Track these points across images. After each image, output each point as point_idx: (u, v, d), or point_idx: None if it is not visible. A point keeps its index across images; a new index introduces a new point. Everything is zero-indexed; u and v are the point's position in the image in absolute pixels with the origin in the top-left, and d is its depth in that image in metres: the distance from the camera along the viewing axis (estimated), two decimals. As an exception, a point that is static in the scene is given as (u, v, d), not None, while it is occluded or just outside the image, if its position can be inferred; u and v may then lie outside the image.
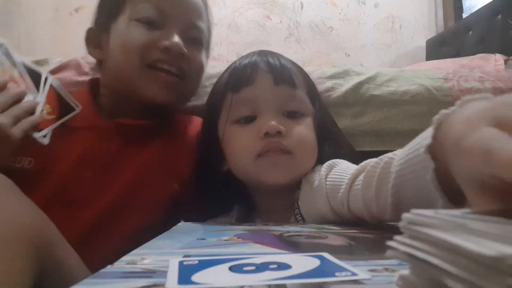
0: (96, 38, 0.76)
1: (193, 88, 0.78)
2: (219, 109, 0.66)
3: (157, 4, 0.70)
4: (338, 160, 0.60)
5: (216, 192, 0.69)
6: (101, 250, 0.59)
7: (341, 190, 0.52)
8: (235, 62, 0.71)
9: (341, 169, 0.56)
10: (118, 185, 0.68)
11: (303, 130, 0.63)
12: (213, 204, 0.70)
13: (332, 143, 0.69)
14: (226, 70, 0.72)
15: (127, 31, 0.70)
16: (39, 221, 0.49)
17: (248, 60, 0.68)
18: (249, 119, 0.63)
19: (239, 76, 0.65)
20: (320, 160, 0.64)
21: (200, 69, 0.76)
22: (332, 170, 0.58)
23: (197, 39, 0.75)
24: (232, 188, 0.69)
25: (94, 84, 0.79)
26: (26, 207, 0.49)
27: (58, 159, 0.68)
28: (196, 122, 0.79)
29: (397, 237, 0.21)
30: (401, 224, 0.21)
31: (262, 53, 0.69)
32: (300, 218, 0.60)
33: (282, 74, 0.65)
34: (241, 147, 0.63)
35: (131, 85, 0.70)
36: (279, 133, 0.60)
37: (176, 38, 0.69)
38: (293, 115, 0.64)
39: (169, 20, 0.70)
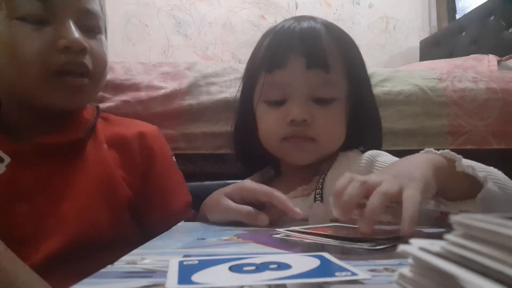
0: None
1: (100, 85, 0.68)
2: (254, 84, 0.69)
3: None
4: (379, 151, 0.63)
5: (252, 152, 0.74)
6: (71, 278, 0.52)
7: None
8: (276, 26, 0.70)
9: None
10: (67, 212, 0.59)
11: (330, 118, 0.64)
12: (250, 160, 0.77)
13: (365, 124, 0.70)
14: (267, 35, 0.70)
15: (11, 35, 0.58)
16: None
17: (287, 31, 0.66)
18: (279, 102, 0.65)
19: (274, 55, 0.65)
20: (350, 140, 0.67)
21: (104, 62, 0.65)
22: (380, 158, 0.61)
23: (94, 27, 0.64)
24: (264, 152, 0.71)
25: None
26: None
27: None
28: (131, 125, 0.72)
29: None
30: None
31: (303, 27, 0.66)
32: (319, 191, 0.61)
33: (316, 57, 0.63)
34: (268, 129, 0.66)
35: (32, 96, 0.60)
36: (304, 121, 0.62)
37: (74, 33, 0.59)
38: (322, 101, 0.64)
39: (58, 10, 0.59)
